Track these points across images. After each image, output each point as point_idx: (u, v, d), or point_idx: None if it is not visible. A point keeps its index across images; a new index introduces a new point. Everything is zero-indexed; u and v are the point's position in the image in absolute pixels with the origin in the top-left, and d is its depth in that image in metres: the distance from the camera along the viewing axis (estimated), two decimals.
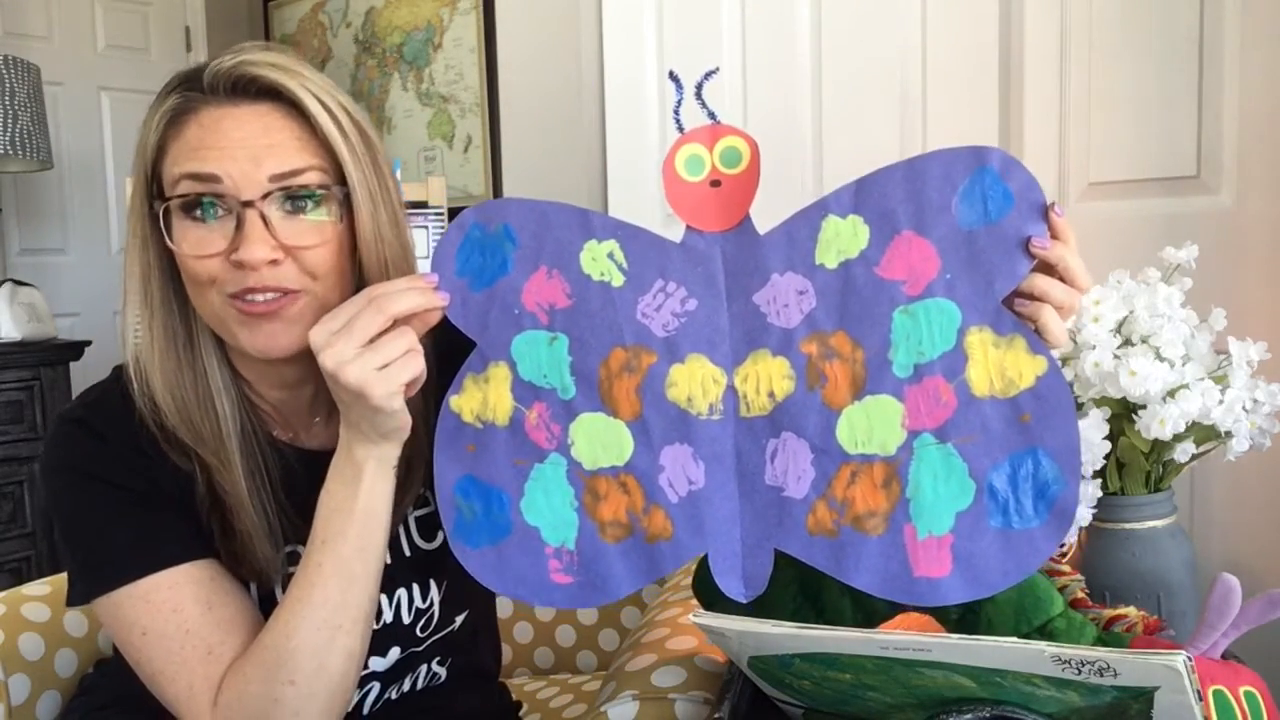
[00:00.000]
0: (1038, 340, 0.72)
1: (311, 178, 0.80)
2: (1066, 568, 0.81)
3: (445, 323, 0.79)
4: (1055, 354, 0.92)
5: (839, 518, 0.74)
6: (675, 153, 0.77)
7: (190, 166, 0.79)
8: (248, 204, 0.78)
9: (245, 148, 0.79)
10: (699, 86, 0.78)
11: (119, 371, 0.89)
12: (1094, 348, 0.90)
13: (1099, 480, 0.90)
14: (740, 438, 0.77)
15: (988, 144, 0.75)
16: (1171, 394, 0.87)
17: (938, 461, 0.73)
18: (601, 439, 0.77)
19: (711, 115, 0.77)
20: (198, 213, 0.79)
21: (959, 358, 0.72)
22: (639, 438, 0.77)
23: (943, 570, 0.72)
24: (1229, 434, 0.90)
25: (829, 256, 0.75)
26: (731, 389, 0.77)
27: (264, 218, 0.78)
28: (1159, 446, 0.90)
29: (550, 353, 0.77)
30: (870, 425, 0.74)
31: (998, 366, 0.72)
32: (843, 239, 0.74)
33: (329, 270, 0.81)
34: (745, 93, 1.87)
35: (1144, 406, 0.88)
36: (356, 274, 0.83)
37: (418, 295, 0.76)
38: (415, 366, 0.75)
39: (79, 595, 0.85)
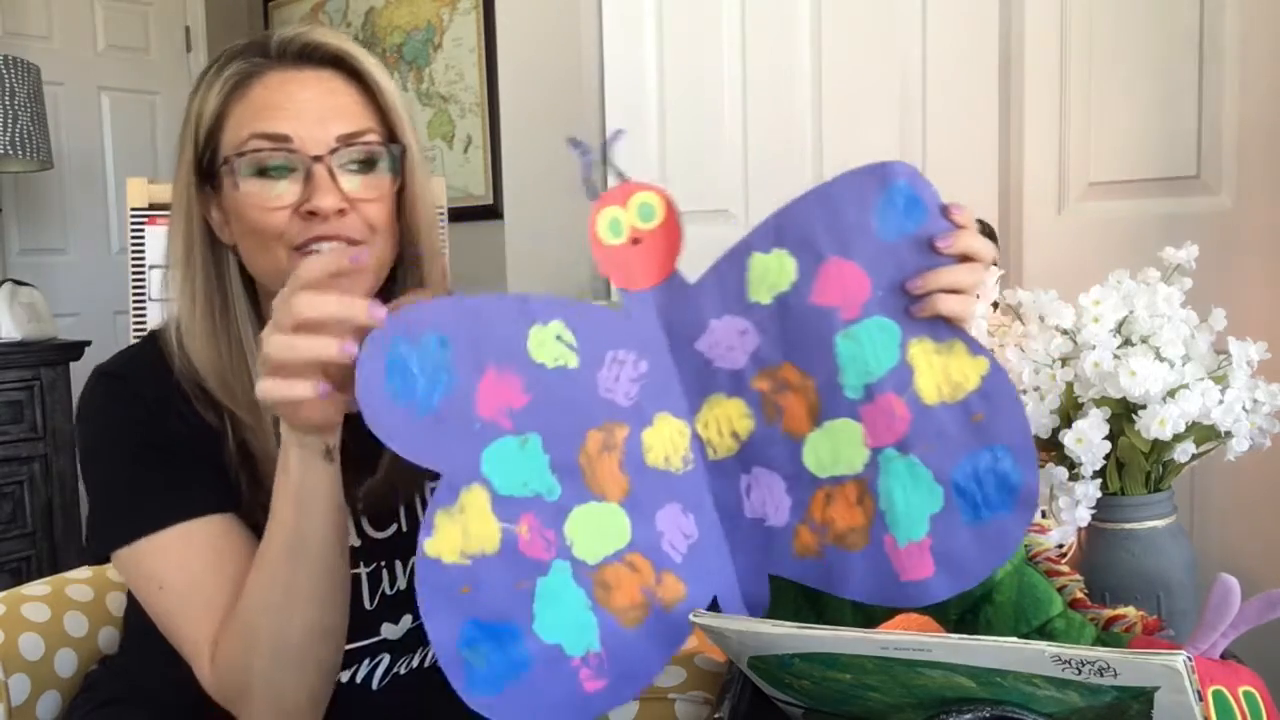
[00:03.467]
0: (976, 342, 0.73)
1: (372, 138, 0.86)
2: (1066, 568, 0.81)
3: None
4: (1056, 347, 0.92)
5: (822, 538, 0.76)
6: (595, 219, 0.75)
7: (260, 126, 0.84)
8: (317, 159, 0.83)
9: (312, 108, 0.84)
10: (604, 148, 0.76)
11: (155, 335, 0.93)
12: (1094, 348, 0.90)
13: (1099, 480, 0.90)
14: (713, 480, 0.77)
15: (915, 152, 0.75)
16: (1171, 394, 0.87)
17: (904, 473, 0.74)
18: (600, 529, 0.74)
19: (620, 175, 0.76)
20: (268, 170, 0.84)
21: (905, 371, 0.73)
22: (634, 514, 0.75)
23: (927, 572, 0.74)
24: (1229, 434, 0.90)
25: (761, 293, 0.75)
26: (696, 436, 0.77)
27: (331, 172, 0.83)
28: (1159, 446, 0.90)
29: (525, 457, 0.71)
30: (834, 448, 0.75)
31: (943, 373, 0.73)
32: (771, 274, 0.74)
33: (385, 226, 0.87)
34: (745, 94, 1.88)
35: (1144, 406, 0.88)
36: (400, 234, 0.89)
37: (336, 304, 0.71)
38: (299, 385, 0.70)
39: (100, 545, 0.87)
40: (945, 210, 0.72)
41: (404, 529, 0.93)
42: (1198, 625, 0.71)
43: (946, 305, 0.72)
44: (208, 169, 0.88)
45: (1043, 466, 0.93)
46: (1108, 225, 1.49)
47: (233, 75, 0.86)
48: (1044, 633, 0.77)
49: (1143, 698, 0.60)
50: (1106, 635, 0.77)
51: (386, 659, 0.93)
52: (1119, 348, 0.90)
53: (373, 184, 0.86)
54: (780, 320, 0.74)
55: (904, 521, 0.74)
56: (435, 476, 0.82)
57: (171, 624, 0.84)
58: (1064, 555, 0.90)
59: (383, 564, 0.92)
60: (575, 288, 2.06)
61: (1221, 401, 0.88)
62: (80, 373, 2.94)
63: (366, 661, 0.91)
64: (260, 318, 0.91)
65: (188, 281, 0.89)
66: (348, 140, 0.85)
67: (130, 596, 1.04)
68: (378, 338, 0.69)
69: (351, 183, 0.85)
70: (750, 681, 0.82)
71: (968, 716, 0.66)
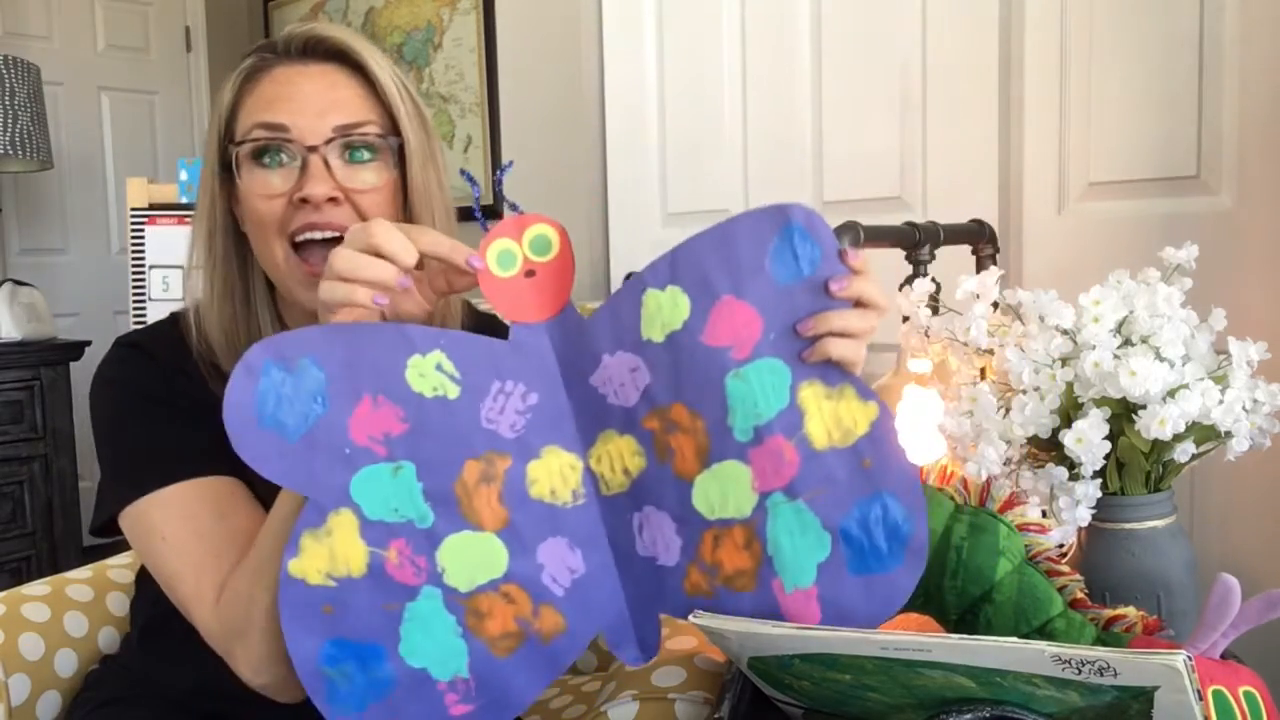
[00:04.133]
0: (866, 387, 0.73)
1: (370, 130, 0.89)
2: (1066, 568, 0.81)
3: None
4: (1056, 347, 0.92)
5: (712, 579, 0.75)
6: (485, 251, 0.75)
7: (262, 116, 0.87)
8: (312, 149, 0.86)
9: (312, 100, 0.87)
10: (497, 181, 0.78)
11: (175, 316, 0.96)
12: (1094, 348, 0.90)
13: (1099, 480, 0.90)
14: (607, 516, 0.77)
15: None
16: (1171, 394, 0.87)
17: (791, 518, 0.73)
18: (473, 558, 0.73)
19: (513, 206, 0.76)
20: (266, 159, 0.87)
21: (795, 414, 0.73)
22: (512, 545, 0.74)
23: (814, 620, 0.73)
24: (1229, 434, 0.90)
25: (655, 331, 0.74)
26: (589, 471, 0.77)
27: (326, 162, 0.86)
28: (1159, 446, 0.90)
29: (397, 484, 0.72)
30: (723, 491, 0.74)
31: (833, 418, 0.73)
32: (665, 311, 0.74)
33: (383, 218, 0.85)
34: (745, 93, 1.88)
35: (1144, 406, 0.87)
36: None
37: (450, 247, 0.75)
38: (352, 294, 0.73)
39: (108, 507, 0.87)
40: (842, 255, 0.72)
41: None
42: (1198, 625, 0.71)
43: (837, 349, 0.72)
44: (226, 160, 0.91)
45: (1042, 466, 0.93)
46: (1108, 225, 1.49)
47: (245, 70, 0.90)
48: (1044, 633, 0.77)
49: (1143, 697, 0.60)
50: (1106, 635, 0.77)
51: None
52: (1119, 348, 0.90)
53: (369, 175, 0.88)
54: (672, 359, 0.74)
55: (791, 567, 0.74)
56: None
57: (174, 572, 0.84)
58: (1064, 555, 0.90)
59: None
60: (574, 290, 2.06)
61: (1221, 401, 0.88)
62: (80, 372, 2.93)
63: None
64: (277, 306, 0.94)
65: (209, 267, 0.92)
66: (344, 131, 0.87)
67: (134, 595, 1.04)
68: (251, 360, 0.70)
69: (348, 173, 0.87)
70: (750, 681, 0.82)
71: (968, 716, 0.66)
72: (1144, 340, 0.90)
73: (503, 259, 0.75)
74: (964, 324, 0.98)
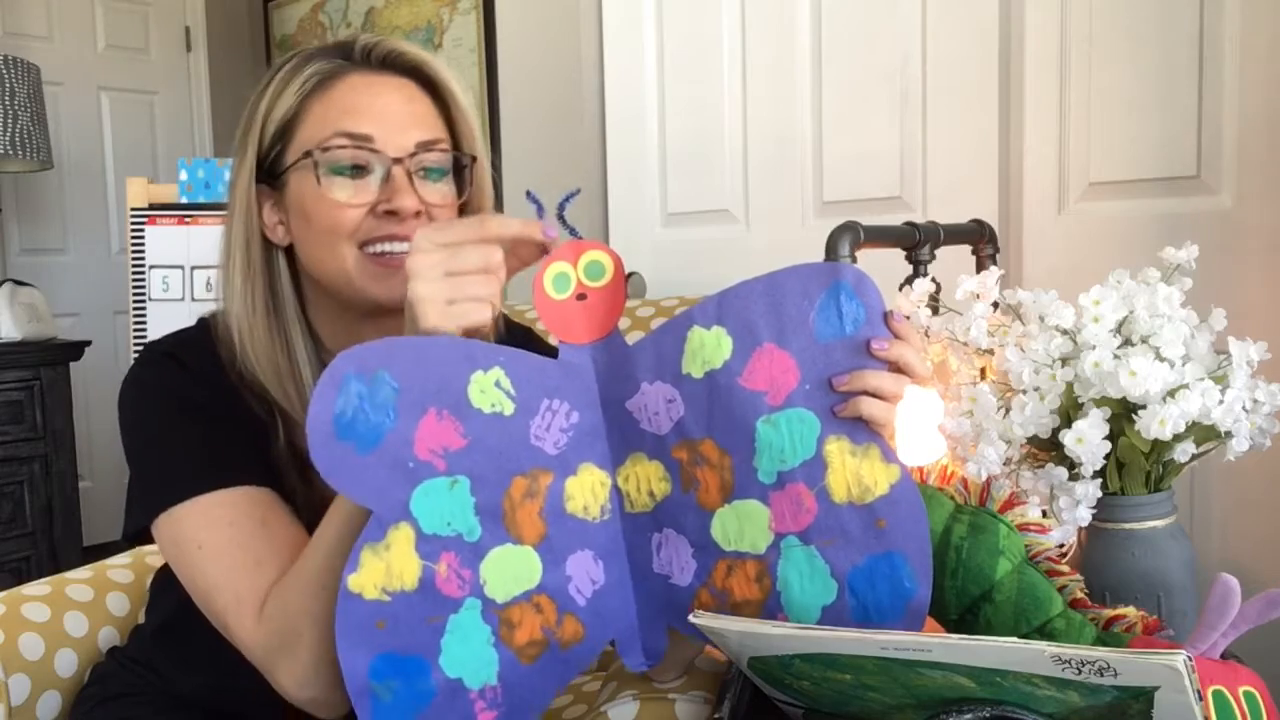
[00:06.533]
0: (890, 450, 0.75)
1: (445, 148, 0.90)
2: (1066, 568, 0.81)
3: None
4: (1056, 347, 0.92)
5: (721, 604, 0.78)
6: (542, 273, 0.78)
7: (344, 125, 0.87)
8: (397, 161, 0.87)
9: (394, 113, 0.88)
10: (561, 207, 0.80)
11: (205, 322, 0.94)
12: (1094, 348, 0.90)
13: (1099, 480, 0.90)
14: (628, 531, 0.79)
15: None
16: (1171, 394, 0.87)
17: (803, 561, 0.76)
18: (513, 570, 0.76)
19: (573, 232, 0.79)
20: (348, 168, 0.87)
21: (819, 465, 0.75)
22: (546, 558, 0.77)
23: None
24: (1229, 434, 0.90)
25: (695, 367, 0.76)
26: (616, 488, 0.79)
27: (409, 175, 0.87)
28: (1159, 446, 0.90)
29: (452, 498, 0.73)
30: (741, 526, 0.77)
31: (854, 475, 0.75)
32: (707, 350, 0.76)
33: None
34: (745, 92, 1.88)
35: (1144, 406, 0.87)
36: None
37: (521, 225, 0.77)
38: (482, 313, 0.75)
39: (141, 513, 0.87)
40: (888, 317, 0.74)
41: None
42: (1198, 625, 0.71)
43: (869, 408, 0.73)
44: (270, 169, 0.89)
45: (1042, 466, 0.93)
46: (1108, 225, 1.49)
47: (313, 75, 0.88)
48: (1044, 633, 0.77)
49: (1143, 698, 0.60)
50: (1106, 635, 0.77)
51: None
52: (1119, 348, 0.90)
53: (443, 191, 0.90)
54: (708, 396, 0.76)
55: (797, 606, 0.76)
56: None
57: (212, 582, 0.83)
58: (1064, 555, 0.90)
59: None
60: None
61: (1221, 401, 0.88)
62: (80, 373, 2.94)
63: None
64: (308, 320, 0.93)
65: (248, 283, 0.91)
66: (426, 147, 0.88)
67: (154, 589, 1.04)
68: (336, 370, 0.70)
69: (424, 188, 0.88)
70: (750, 681, 0.82)
71: (968, 716, 0.66)
72: (1144, 340, 0.90)
73: (558, 281, 0.78)
74: (964, 324, 0.98)
